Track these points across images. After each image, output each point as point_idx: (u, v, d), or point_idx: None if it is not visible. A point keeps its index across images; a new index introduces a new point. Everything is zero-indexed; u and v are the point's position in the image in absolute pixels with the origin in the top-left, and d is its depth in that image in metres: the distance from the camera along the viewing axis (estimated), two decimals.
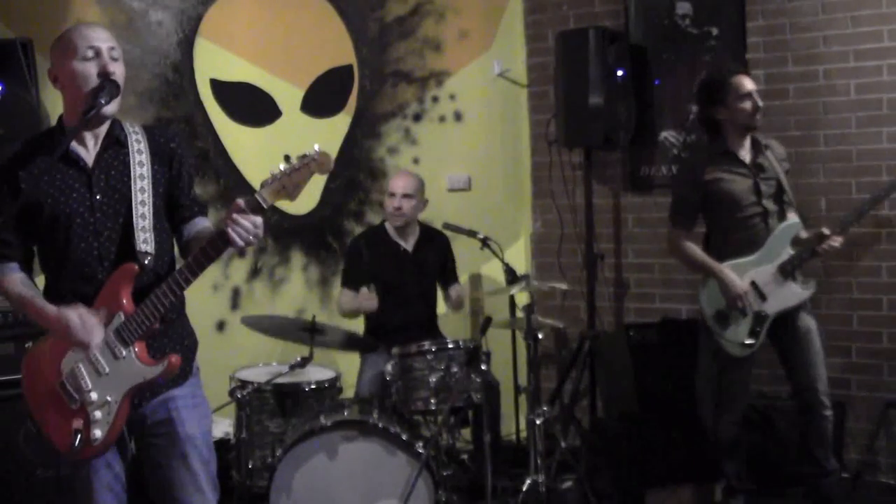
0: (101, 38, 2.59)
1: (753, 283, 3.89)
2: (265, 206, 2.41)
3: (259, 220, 2.41)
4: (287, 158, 2.46)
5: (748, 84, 3.88)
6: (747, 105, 3.85)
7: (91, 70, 2.56)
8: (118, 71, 2.59)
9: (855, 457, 4.54)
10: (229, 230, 2.39)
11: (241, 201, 2.40)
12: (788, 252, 3.89)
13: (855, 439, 4.57)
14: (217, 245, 2.44)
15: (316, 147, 2.45)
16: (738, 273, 3.90)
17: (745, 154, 3.93)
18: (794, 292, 3.91)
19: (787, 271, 3.88)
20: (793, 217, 3.95)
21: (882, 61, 4.48)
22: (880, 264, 4.52)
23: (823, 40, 4.61)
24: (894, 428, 4.50)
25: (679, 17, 4.98)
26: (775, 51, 4.72)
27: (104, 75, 2.55)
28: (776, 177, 3.92)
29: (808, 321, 3.94)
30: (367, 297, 4.59)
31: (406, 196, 4.60)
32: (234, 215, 2.39)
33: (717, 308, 3.96)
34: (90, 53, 2.56)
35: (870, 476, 4.48)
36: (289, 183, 2.41)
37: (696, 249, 4.01)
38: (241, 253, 2.51)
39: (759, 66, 4.77)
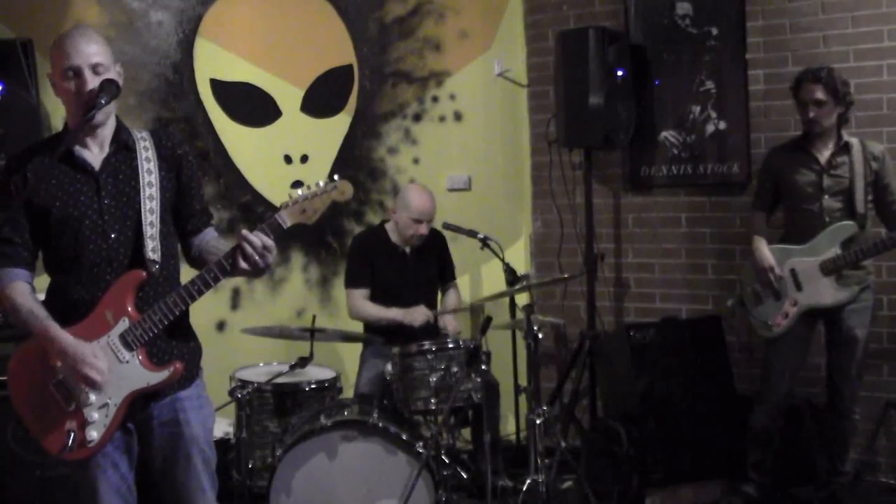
0: (82, 56, 2.54)
1: (793, 271, 4.03)
2: (285, 227, 2.53)
3: (270, 242, 2.50)
4: (299, 183, 2.58)
5: (808, 93, 3.96)
6: (804, 112, 4.00)
7: (71, 88, 2.56)
8: (96, 84, 2.54)
9: (855, 457, 4.53)
10: (237, 251, 2.48)
11: (245, 232, 2.50)
12: (835, 251, 3.96)
13: (855, 439, 4.56)
14: (231, 260, 2.51)
15: (336, 176, 2.60)
16: (782, 257, 4.07)
17: (822, 150, 4.03)
18: (830, 292, 3.99)
19: (827, 269, 3.97)
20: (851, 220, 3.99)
21: (882, 61, 4.48)
22: (880, 264, 4.51)
23: (823, 40, 4.61)
24: (894, 428, 4.51)
25: (679, 17, 4.98)
26: (775, 51, 4.72)
27: (80, 95, 2.54)
28: (850, 176, 3.98)
29: (854, 325, 4.03)
30: (412, 312, 4.49)
31: (430, 220, 4.60)
32: (245, 232, 2.48)
33: (754, 285, 4.15)
34: (70, 74, 2.55)
35: (870, 476, 4.48)
36: (309, 207, 2.55)
37: (757, 224, 4.22)
38: (256, 273, 2.58)
39: (759, 66, 4.77)
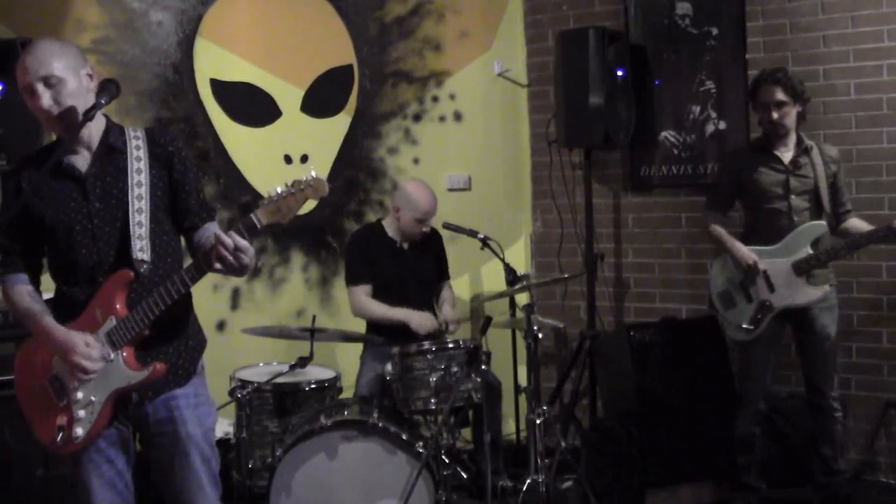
0: (30, 72, 2.53)
1: (765, 273, 4.01)
2: (259, 226, 2.49)
3: (244, 243, 2.48)
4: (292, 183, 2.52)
5: (768, 95, 3.99)
6: (766, 115, 4.02)
7: (33, 108, 2.56)
8: (50, 99, 2.53)
9: (855, 457, 4.54)
10: (213, 251, 2.47)
11: (218, 233, 2.48)
12: (807, 251, 3.97)
13: (855, 439, 4.57)
14: (206, 260, 2.51)
15: (312, 173, 2.52)
16: None
17: (785, 151, 4.05)
18: (804, 291, 3.98)
19: (800, 269, 3.97)
20: (823, 219, 4.03)
21: (882, 61, 4.49)
22: (880, 264, 4.52)
23: (823, 40, 4.61)
24: (894, 428, 4.51)
25: (679, 17, 4.98)
26: (775, 51, 4.72)
27: (41, 113, 2.55)
28: (813, 177, 4.01)
29: (826, 323, 4.02)
30: (423, 318, 4.47)
31: (432, 219, 4.60)
32: (218, 232, 2.47)
33: (725, 287, 4.14)
34: (27, 94, 2.55)
35: (870, 476, 4.48)
36: (284, 206, 2.50)
37: (718, 227, 4.20)
38: (234, 273, 2.57)
39: (759, 66, 4.75)
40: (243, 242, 2.47)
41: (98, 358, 2.57)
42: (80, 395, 2.61)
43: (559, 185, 5.30)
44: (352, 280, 4.61)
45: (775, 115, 3.98)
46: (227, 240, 2.45)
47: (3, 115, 4.02)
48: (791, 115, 4.00)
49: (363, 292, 4.56)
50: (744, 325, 4.04)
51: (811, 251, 3.96)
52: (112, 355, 2.60)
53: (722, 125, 4.90)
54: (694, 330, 4.59)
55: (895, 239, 3.92)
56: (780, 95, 3.97)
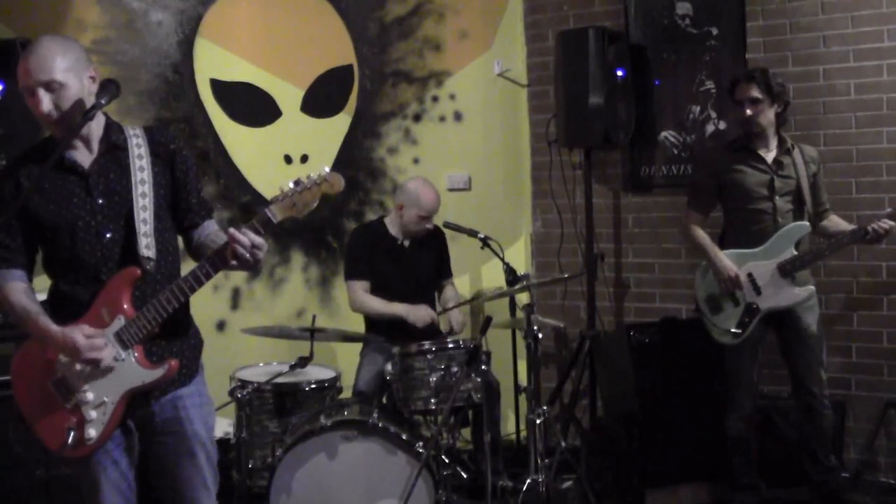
0: (32, 76, 2.49)
1: (750, 276, 4.01)
2: (275, 221, 2.49)
3: (259, 240, 2.47)
4: (297, 181, 2.52)
5: (743, 92, 4.01)
6: (741, 111, 4.02)
7: (31, 109, 2.54)
8: (50, 104, 2.49)
9: (855, 456, 4.54)
10: (228, 248, 2.46)
11: (233, 231, 2.47)
12: (791, 252, 3.97)
13: (855, 439, 4.57)
14: (221, 257, 2.50)
15: (326, 169, 2.52)
16: (738, 263, 4.03)
17: (768, 151, 4.05)
18: (790, 292, 3.98)
19: (785, 271, 3.97)
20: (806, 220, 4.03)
21: (882, 61, 4.49)
22: (880, 264, 4.52)
23: (823, 40, 4.61)
24: (894, 428, 4.51)
25: (679, 17, 4.98)
26: (775, 51, 4.72)
27: (42, 117, 2.52)
28: (796, 177, 4.02)
29: (810, 322, 4.03)
30: (417, 311, 4.48)
31: (435, 215, 4.62)
32: (232, 230, 2.46)
33: (710, 292, 4.12)
34: (27, 94, 2.52)
35: (870, 476, 4.48)
36: (299, 201, 2.50)
37: (699, 232, 4.17)
38: (248, 269, 2.57)
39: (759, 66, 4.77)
40: (259, 239, 2.47)
41: (103, 345, 2.53)
42: (90, 395, 2.57)
43: (559, 185, 5.30)
44: (350, 275, 4.62)
45: (748, 112, 3.99)
46: (243, 237, 2.45)
47: (3, 115, 4.02)
48: (767, 114, 4.00)
49: (361, 287, 4.56)
50: (732, 330, 4.03)
51: (795, 252, 3.97)
52: (123, 355, 2.57)
53: (722, 125, 4.90)
54: (694, 330, 4.58)
55: (876, 239, 3.93)
56: (755, 93, 3.97)
